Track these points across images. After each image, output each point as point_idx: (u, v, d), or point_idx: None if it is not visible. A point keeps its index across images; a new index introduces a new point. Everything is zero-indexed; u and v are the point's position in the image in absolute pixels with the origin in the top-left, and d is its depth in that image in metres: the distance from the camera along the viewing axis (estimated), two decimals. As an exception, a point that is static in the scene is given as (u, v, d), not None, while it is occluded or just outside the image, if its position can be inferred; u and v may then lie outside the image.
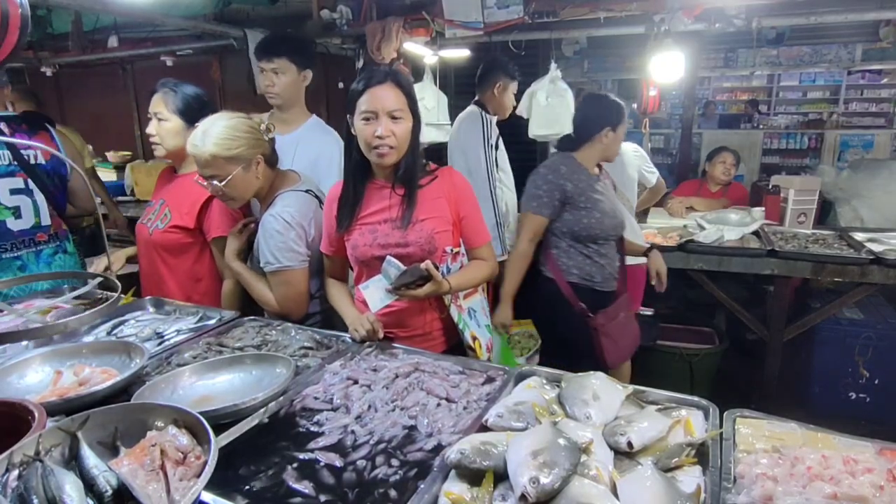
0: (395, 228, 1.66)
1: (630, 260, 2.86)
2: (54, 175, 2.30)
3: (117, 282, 1.47)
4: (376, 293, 1.62)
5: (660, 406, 1.24)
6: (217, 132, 1.69)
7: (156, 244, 2.05)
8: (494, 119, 2.97)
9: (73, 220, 2.52)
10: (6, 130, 2.18)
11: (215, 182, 1.73)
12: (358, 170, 1.70)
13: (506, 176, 3.07)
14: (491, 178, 2.81)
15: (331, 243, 1.80)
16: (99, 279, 1.53)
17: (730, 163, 3.92)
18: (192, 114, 2.00)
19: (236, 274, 1.93)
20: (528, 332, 3.28)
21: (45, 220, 2.29)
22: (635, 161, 2.93)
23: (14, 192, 2.17)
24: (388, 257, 1.57)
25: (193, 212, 1.99)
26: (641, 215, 3.71)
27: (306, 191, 1.89)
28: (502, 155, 3.04)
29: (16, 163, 2.16)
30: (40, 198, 2.26)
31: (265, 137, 1.80)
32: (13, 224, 2.20)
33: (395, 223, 1.67)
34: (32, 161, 2.21)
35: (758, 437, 1.10)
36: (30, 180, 2.22)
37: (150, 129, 2.03)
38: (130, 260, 2.22)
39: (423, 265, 1.53)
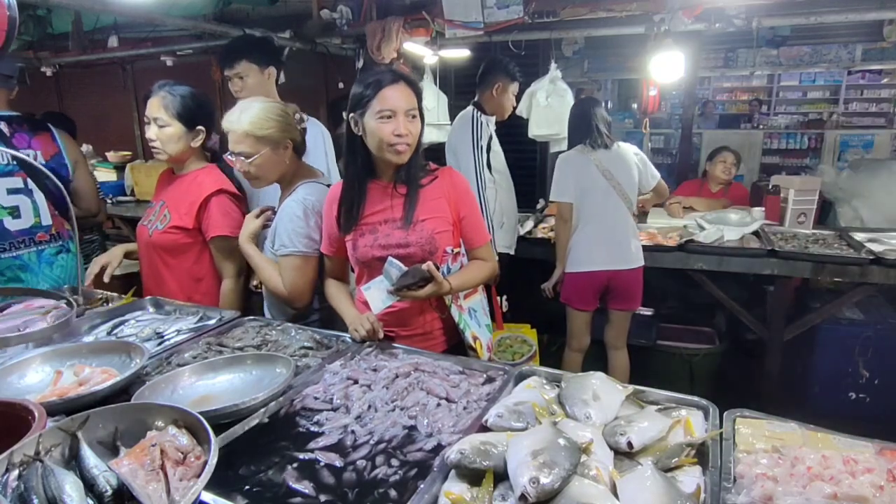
0: (395, 229, 1.66)
1: (628, 262, 2.87)
2: (55, 175, 2.24)
3: (75, 301, 1.56)
4: (378, 294, 1.62)
5: (660, 406, 1.24)
6: (253, 112, 1.77)
7: (156, 245, 2.05)
8: (491, 120, 2.95)
9: (77, 222, 2.50)
10: (6, 130, 2.18)
11: (243, 159, 1.78)
12: (361, 171, 1.70)
13: (501, 177, 3.04)
14: (480, 180, 2.79)
15: (331, 244, 1.80)
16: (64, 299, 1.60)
17: (730, 162, 3.92)
18: (191, 116, 2.00)
19: (247, 256, 1.94)
20: (521, 337, 3.28)
21: (46, 219, 2.30)
22: (636, 163, 2.93)
23: (12, 191, 2.18)
24: (390, 258, 1.58)
25: (192, 212, 2.00)
26: (641, 216, 3.71)
27: (327, 185, 1.92)
28: (496, 156, 3.01)
29: (15, 162, 2.17)
30: (40, 197, 2.25)
31: (297, 126, 1.86)
32: (11, 224, 2.20)
33: (395, 223, 1.67)
34: (31, 160, 2.16)
35: (758, 437, 1.10)
36: (29, 180, 2.22)
37: (151, 134, 1.99)
38: (129, 256, 2.20)
39: (424, 266, 1.54)
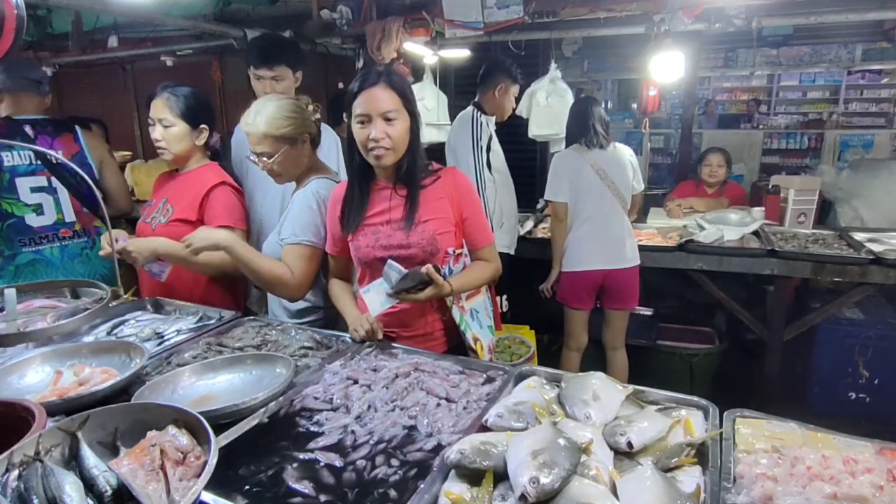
0: (397, 230, 1.66)
1: (623, 261, 2.87)
2: (76, 174, 2.31)
3: (106, 289, 1.53)
4: (377, 297, 1.62)
5: (660, 406, 1.25)
6: (268, 112, 1.77)
7: (158, 233, 2.03)
8: (491, 120, 2.95)
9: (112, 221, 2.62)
10: (30, 133, 2.33)
11: (265, 159, 1.80)
12: (361, 172, 1.70)
13: (501, 177, 3.04)
14: (479, 180, 2.79)
15: (335, 243, 1.80)
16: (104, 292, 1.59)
17: (715, 165, 3.91)
18: (194, 115, 2.04)
19: (237, 254, 1.75)
20: (520, 339, 3.28)
21: (69, 216, 2.40)
22: (631, 164, 2.94)
23: (35, 189, 2.32)
24: (389, 261, 1.57)
25: (195, 205, 2.02)
26: (641, 216, 3.71)
27: (337, 182, 1.92)
28: (496, 156, 3.01)
29: (38, 161, 2.32)
30: (64, 195, 2.38)
31: (311, 118, 1.88)
32: (33, 220, 2.32)
33: (397, 224, 1.67)
34: (54, 161, 2.30)
35: (758, 437, 1.10)
36: (53, 178, 2.35)
37: (156, 134, 2.02)
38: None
39: (423, 269, 1.53)
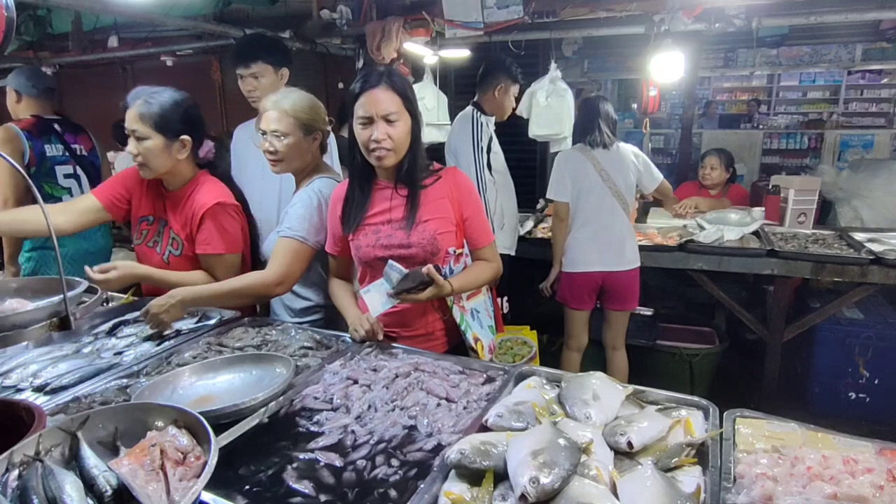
0: (398, 229, 1.66)
1: (623, 263, 2.87)
2: (90, 165, 2.98)
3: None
4: (377, 297, 1.62)
5: (660, 406, 1.25)
6: (296, 97, 1.87)
7: (173, 267, 1.93)
8: (490, 120, 2.95)
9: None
10: (59, 129, 2.87)
11: (279, 136, 1.81)
12: (362, 171, 1.70)
13: (501, 177, 3.03)
14: (480, 181, 2.79)
15: (335, 243, 1.80)
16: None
17: (708, 167, 3.90)
18: (172, 126, 1.81)
19: (210, 293, 1.75)
20: (522, 339, 3.28)
21: None
22: (634, 165, 2.93)
23: (67, 175, 2.87)
24: (390, 261, 1.57)
25: (192, 235, 1.89)
26: (641, 215, 3.71)
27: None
28: (497, 157, 3.00)
29: (67, 153, 2.88)
30: (84, 180, 2.92)
31: (326, 120, 1.93)
32: (67, 200, 2.76)
33: (398, 224, 1.67)
34: (79, 153, 2.93)
35: (758, 437, 1.10)
36: (77, 167, 2.91)
37: (131, 147, 1.80)
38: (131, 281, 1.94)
39: (424, 269, 1.53)
